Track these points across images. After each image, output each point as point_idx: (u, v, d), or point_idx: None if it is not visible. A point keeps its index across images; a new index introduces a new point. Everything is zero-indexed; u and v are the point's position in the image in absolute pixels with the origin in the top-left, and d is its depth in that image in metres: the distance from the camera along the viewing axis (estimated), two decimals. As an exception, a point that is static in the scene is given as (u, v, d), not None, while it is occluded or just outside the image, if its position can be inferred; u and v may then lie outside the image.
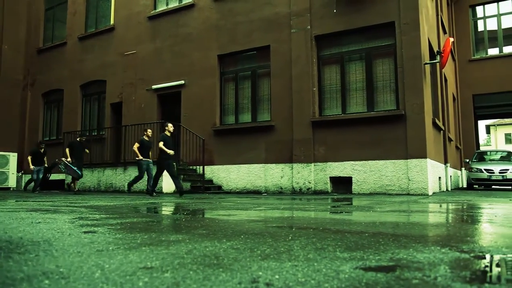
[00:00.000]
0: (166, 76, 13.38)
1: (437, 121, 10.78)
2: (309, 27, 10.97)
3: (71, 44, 16.57)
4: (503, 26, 18.69)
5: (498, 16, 18.75)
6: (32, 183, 13.83)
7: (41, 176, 13.08)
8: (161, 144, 9.53)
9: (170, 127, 9.94)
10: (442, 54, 10.24)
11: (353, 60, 10.68)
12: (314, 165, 10.46)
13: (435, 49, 11.50)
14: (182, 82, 12.98)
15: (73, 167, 11.76)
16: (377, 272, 1.57)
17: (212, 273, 1.56)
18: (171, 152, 9.48)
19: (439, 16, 13.53)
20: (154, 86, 13.61)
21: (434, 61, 10.32)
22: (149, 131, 10.55)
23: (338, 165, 10.14)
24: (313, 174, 10.44)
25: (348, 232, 2.76)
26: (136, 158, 10.28)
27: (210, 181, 12.04)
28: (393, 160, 9.49)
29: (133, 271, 1.60)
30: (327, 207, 5.44)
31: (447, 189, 12.34)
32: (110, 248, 2.15)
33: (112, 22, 15.33)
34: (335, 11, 10.63)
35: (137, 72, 14.12)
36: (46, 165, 13.38)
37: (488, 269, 1.67)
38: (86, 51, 15.95)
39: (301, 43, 11.05)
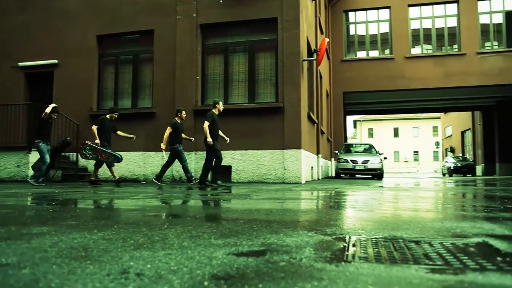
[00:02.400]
0: (36, 53, 12.13)
1: (311, 114, 11.55)
2: (194, 15, 10.87)
3: None
4: (370, 32, 20.69)
5: (366, 23, 20.69)
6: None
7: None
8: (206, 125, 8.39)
9: (220, 106, 8.74)
10: (318, 53, 10.98)
11: (237, 52, 10.88)
12: (195, 153, 10.47)
13: (313, 47, 12.29)
14: (55, 61, 11.91)
15: (107, 150, 9.04)
16: (248, 257, 1.64)
17: (79, 266, 1.47)
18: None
19: (318, 17, 14.45)
20: (21, 64, 12.25)
21: (311, 58, 11.01)
22: (184, 113, 9.27)
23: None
24: (193, 163, 10.44)
25: (224, 220, 2.82)
26: (169, 146, 8.98)
27: (85, 169, 11.31)
28: (271, 150, 9.94)
29: (-15, 267, 1.43)
30: (206, 195, 5.49)
31: (318, 178, 13.33)
32: (-42, 243, 1.90)
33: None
34: (221, 1, 10.69)
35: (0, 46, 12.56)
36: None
37: (346, 249, 1.85)
38: None
39: (186, 31, 10.91)
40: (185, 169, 9.05)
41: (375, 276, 1.34)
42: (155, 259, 1.58)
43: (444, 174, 27.05)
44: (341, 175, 15.50)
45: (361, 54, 20.94)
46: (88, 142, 9.04)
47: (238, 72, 10.75)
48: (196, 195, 5.53)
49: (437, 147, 37.49)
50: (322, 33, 16.19)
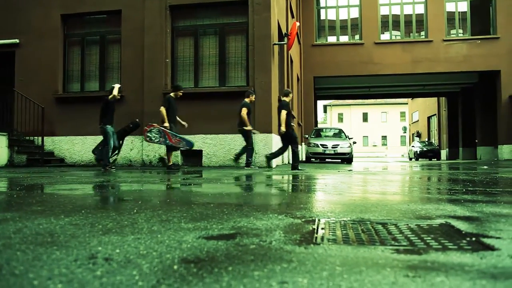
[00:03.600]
0: (-5, 32, 11.60)
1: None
2: (164, -5, 10.62)
3: None
4: (340, 17, 20.80)
5: (337, 8, 20.78)
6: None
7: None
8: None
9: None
10: (289, 37, 10.97)
11: (207, 34, 10.73)
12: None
13: (284, 31, 12.25)
14: (16, 41, 11.41)
15: (178, 135, 8.55)
16: (219, 240, 1.64)
17: (45, 251, 1.44)
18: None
19: (289, 1, 14.39)
20: (-22, 43, 11.70)
21: (282, 42, 10.99)
22: (253, 96, 9.03)
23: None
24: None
25: (195, 204, 2.81)
26: (245, 128, 8.67)
27: (51, 153, 11.00)
28: (242, 135, 9.92)
29: None
30: (177, 180, 5.46)
31: (289, 162, 13.44)
32: None
33: None
34: (191, -18, 10.47)
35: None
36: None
37: (315, 231, 1.88)
38: None
39: (155, 12, 10.66)
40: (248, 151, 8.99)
41: (343, 258, 1.37)
42: (124, 243, 1.57)
43: (410, 159, 27.79)
44: (312, 159, 15.69)
45: (331, 39, 21.08)
46: (155, 125, 8.39)
47: (208, 55, 10.62)
48: (166, 180, 5.48)
49: (404, 132, 38.44)
50: (293, 17, 16.16)
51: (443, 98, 27.84)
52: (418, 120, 36.57)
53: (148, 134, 8.34)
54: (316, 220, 2.18)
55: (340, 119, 58.78)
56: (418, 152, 25.89)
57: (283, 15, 13.23)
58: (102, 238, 1.66)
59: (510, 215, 2.39)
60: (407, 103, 44.60)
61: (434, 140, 30.80)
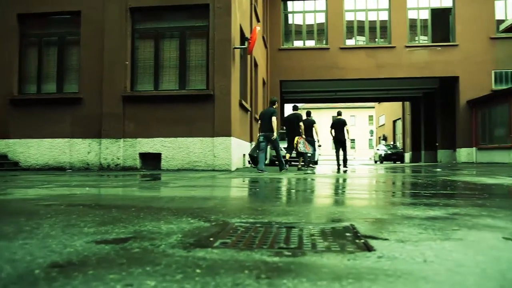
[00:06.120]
0: None
1: (243, 102, 11.64)
2: (123, -3, 10.51)
3: None
4: (307, 22, 21.09)
5: (304, 13, 21.06)
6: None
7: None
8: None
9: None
10: (250, 41, 11.04)
11: (168, 37, 10.68)
12: (124, 140, 10.23)
13: (248, 35, 12.32)
14: (-30, 40, 11.07)
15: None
16: (107, 244, 1.65)
17: None
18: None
19: (253, 5, 14.49)
20: None
21: (242, 46, 11.05)
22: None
23: (148, 141, 10.13)
24: (122, 150, 10.21)
25: (117, 207, 2.81)
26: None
27: (5, 156, 10.69)
28: (201, 138, 9.92)
29: None
30: (121, 183, 5.41)
31: (250, 164, 13.49)
32: None
33: None
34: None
35: None
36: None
37: (216, 235, 1.91)
38: None
39: (116, 14, 10.54)
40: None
41: (214, 261, 1.41)
42: (5, 249, 1.56)
43: (376, 161, 28.36)
44: (276, 162, 15.76)
45: (298, 44, 21.33)
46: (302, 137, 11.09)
47: (169, 58, 10.57)
48: (112, 183, 5.43)
49: (371, 135, 39.19)
50: (258, 21, 16.27)
51: (407, 102, 28.58)
52: (384, 124, 37.38)
53: (300, 146, 11.02)
54: (227, 224, 2.21)
55: (311, 122, 59.25)
56: (383, 155, 26.46)
57: (247, 19, 13.31)
58: (-11, 244, 1.65)
59: (418, 217, 2.48)
60: (374, 107, 45.52)
61: (399, 144, 31.54)
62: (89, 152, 10.36)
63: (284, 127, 10.33)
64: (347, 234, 1.99)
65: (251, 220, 2.35)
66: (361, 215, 2.56)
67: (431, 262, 1.41)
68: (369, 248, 1.65)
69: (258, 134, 9.94)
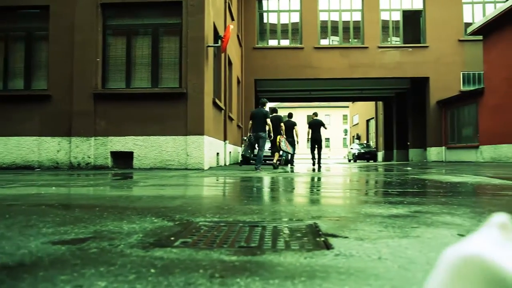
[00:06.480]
0: None
1: (217, 101, 11.60)
2: (94, -8, 10.32)
3: None
4: (282, 21, 21.18)
5: (278, 12, 21.13)
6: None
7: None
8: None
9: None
10: (223, 39, 11.02)
11: (140, 34, 10.55)
12: (95, 139, 10.04)
13: (221, 33, 12.29)
14: None
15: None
16: (64, 245, 1.62)
17: None
18: None
19: (227, 3, 14.45)
20: None
21: (215, 45, 11.01)
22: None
23: (120, 139, 9.98)
24: (93, 149, 10.02)
25: (81, 207, 2.76)
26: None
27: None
28: (174, 136, 9.85)
29: None
30: (89, 183, 5.32)
31: (225, 164, 13.48)
32: None
33: None
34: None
35: None
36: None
37: (178, 234, 1.90)
38: None
39: (86, 9, 10.33)
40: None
41: (171, 260, 1.40)
42: (-45, 251, 1.51)
43: (349, 160, 28.76)
44: (251, 161, 15.79)
45: (272, 43, 21.40)
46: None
47: (141, 56, 10.44)
48: (80, 182, 5.33)
49: (345, 135, 39.71)
50: (233, 19, 16.24)
51: (380, 102, 29.07)
52: (358, 123, 37.93)
53: (282, 144, 11.51)
54: (190, 223, 2.20)
55: (286, 121, 59.60)
56: (356, 154, 26.85)
57: (221, 17, 13.27)
58: None
59: (381, 215, 2.53)
60: (348, 107, 46.14)
61: (372, 143, 32.07)
62: (58, 150, 10.13)
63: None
64: (309, 232, 2.01)
65: (216, 219, 2.34)
66: (326, 214, 2.59)
67: (385, 259, 1.44)
68: (327, 246, 1.67)
69: (249, 134, 10.72)
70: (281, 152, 12.08)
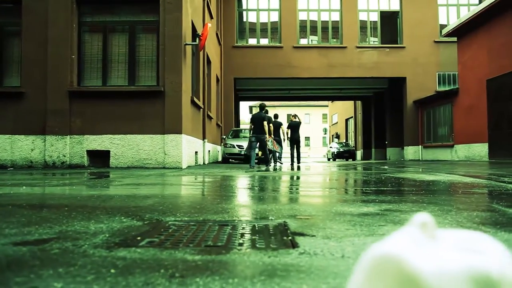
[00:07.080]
0: None
1: (195, 99, 11.54)
2: (70, -12, 10.13)
3: None
4: (261, 20, 21.19)
5: (258, 11, 21.13)
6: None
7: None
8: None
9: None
10: (201, 37, 10.96)
11: (117, 32, 10.41)
12: (70, 137, 9.87)
13: (200, 32, 12.22)
14: None
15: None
16: (26, 246, 1.59)
17: None
18: None
19: (206, 1, 14.37)
20: None
21: (194, 43, 10.96)
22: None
23: (96, 138, 9.84)
24: (68, 147, 9.85)
25: (48, 207, 2.71)
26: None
27: None
28: (151, 135, 9.76)
29: None
30: (62, 182, 5.22)
31: (204, 163, 13.43)
32: None
33: None
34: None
35: None
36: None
37: (145, 234, 1.88)
38: None
39: (61, 5, 10.12)
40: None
41: (133, 260, 1.39)
42: None
43: (329, 159, 28.99)
44: (230, 160, 15.80)
45: (252, 41, 21.40)
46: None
47: (118, 53, 10.31)
48: (53, 182, 5.23)
49: (325, 134, 40.03)
50: (212, 17, 16.17)
51: (359, 101, 29.40)
52: (337, 122, 38.28)
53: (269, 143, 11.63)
54: (160, 222, 2.19)
55: (266, 120, 59.69)
56: (336, 153, 27.09)
57: (199, 16, 13.20)
58: None
59: (351, 213, 2.56)
60: (327, 106, 46.51)
61: (351, 142, 32.42)
62: (32, 149, 9.92)
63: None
64: (278, 231, 2.02)
65: (186, 219, 2.33)
66: (297, 212, 2.61)
67: (348, 257, 1.46)
68: (293, 245, 1.68)
69: (249, 135, 11.31)
70: (276, 152, 12.53)
